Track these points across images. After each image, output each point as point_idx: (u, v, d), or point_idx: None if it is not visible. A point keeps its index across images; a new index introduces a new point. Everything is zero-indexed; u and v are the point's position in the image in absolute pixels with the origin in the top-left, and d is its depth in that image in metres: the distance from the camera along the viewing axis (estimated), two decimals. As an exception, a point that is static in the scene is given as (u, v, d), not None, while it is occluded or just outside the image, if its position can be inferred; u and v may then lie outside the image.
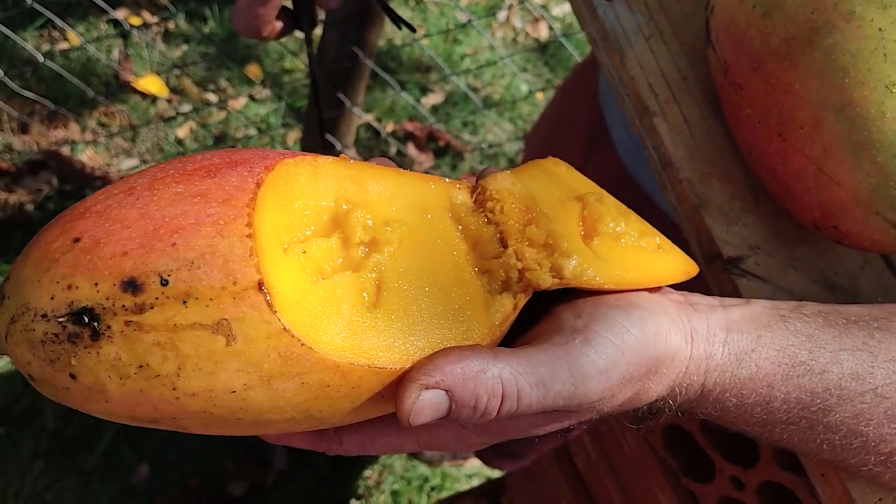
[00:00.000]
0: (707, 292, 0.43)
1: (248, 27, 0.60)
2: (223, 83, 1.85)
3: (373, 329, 0.32)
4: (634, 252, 0.41)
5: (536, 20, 2.16)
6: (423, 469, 1.54)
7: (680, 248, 0.44)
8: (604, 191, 0.42)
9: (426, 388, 0.31)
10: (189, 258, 0.29)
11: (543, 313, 0.38)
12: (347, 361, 0.31)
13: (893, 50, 0.43)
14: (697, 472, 0.60)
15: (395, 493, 1.50)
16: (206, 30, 1.89)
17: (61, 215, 0.32)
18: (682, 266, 0.42)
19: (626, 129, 0.72)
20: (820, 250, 0.52)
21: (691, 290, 0.42)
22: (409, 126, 1.88)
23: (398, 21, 0.67)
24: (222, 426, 0.32)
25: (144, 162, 1.72)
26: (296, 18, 0.63)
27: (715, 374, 0.38)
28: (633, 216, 0.42)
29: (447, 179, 0.39)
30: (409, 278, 0.34)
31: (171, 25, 1.90)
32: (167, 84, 1.82)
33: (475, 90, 1.99)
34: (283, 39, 1.86)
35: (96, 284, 0.29)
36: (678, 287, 0.42)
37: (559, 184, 0.42)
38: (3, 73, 1.49)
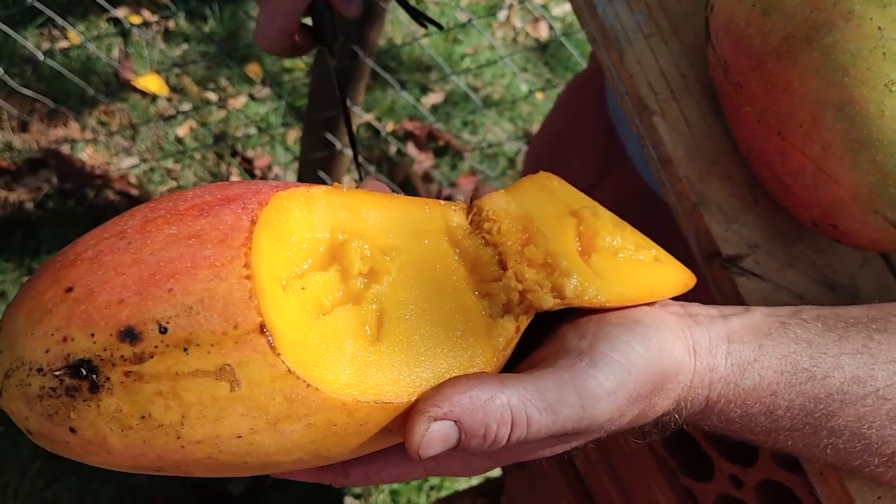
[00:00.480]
0: (706, 296, 0.43)
1: (271, 43, 0.59)
2: (223, 82, 1.85)
3: (377, 363, 0.32)
4: (633, 266, 0.40)
5: (536, 20, 2.16)
6: (422, 468, 1.54)
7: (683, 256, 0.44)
8: (597, 204, 0.42)
9: (435, 420, 0.31)
10: (187, 304, 0.28)
11: (545, 334, 0.38)
12: (354, 399, 0.30)
13: (892, 49, 0.43)
14: (696, 470, 0.60)
15: (394, 493, 1.50)
16: (207, 29, 1.90)
17: (51, 262, 0.31)
18: (680, 278, 0.42)
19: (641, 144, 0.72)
20: (819, 249, 0.52)
21: (690, 295, 0.42)
22: (409, 125, 1.88)
23: (421, 18, 0.65)
24: (230, 470, 0.31)
25: (144, 161, 1.72)
26: (317, 33, 0.62)
27: (719, 386, 0.38)
28: (629, 228, 0.42)
29: (441, 202, 0.38)
30: (410, 307, 0.34)
31: (171, 24, 1.90)
32: (167, 83, 1.82)
33: (475, 90, 1.99)
34: (284, 38, 1.86)
35: (92, 335, 0.28)
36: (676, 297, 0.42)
37: (553, 199, 0.42)
38: (3, 72, 1.49)
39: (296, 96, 1.87)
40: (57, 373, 0.28)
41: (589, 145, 0.80)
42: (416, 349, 0.33)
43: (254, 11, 1.95)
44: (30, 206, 1.60)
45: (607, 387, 0.34)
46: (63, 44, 1.82)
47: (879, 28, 0.44)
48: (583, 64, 1.97)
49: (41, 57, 1.49)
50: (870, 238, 0.46)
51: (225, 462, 0.30)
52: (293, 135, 1.82)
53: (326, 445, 0.31)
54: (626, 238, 0.41)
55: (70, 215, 1.61)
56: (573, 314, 0.38)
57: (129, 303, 0.28)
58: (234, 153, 1.78)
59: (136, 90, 1.78)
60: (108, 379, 0.28)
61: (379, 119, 1.88)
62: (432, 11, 2.08)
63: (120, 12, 1.83)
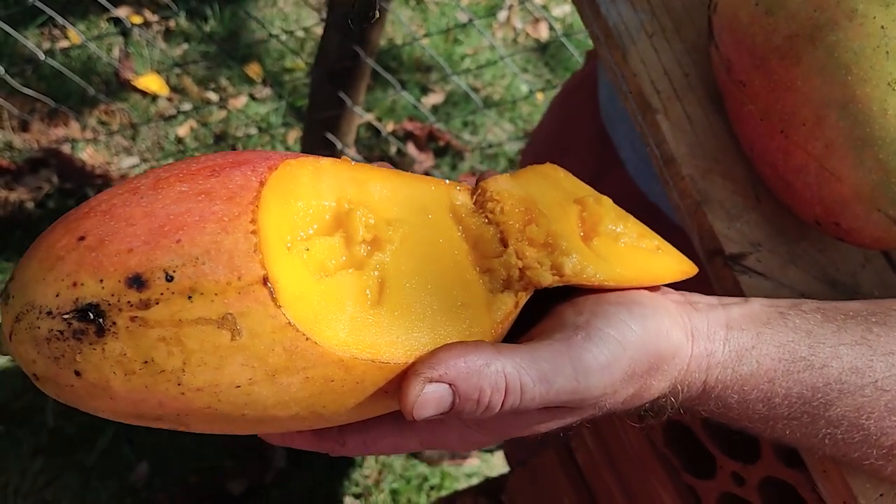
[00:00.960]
0: (709, 293, 0.43)
1: None
2: (224, 82, 1.85)
3: (376, 325, 0.32)
4: (634, 252, 0.41)
5: (537, 20, 2.16)
6: (422, 468, 1.54)
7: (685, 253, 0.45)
8: (602, 195, 0.43)
9: (430, 382, 0.32)
10: (194, 254, 0.29)
11: (544, 314, 0.38)
12: (351, 356, 0.31)
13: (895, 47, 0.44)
14: (698, 468, 0.60)
15: (394, 492, 1.50)
16: (207, 28, 1.90)
17: (65, 216, 0.32)
18: (681, 266, 0.43)
19: (634, 148, 0.72)
20: (821, 247, 0.52)
21: (691, 291, 0.43)
22: (410, 126, 1.88)
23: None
24: (227, 423, 0.32)
25: (145, 160, 1.72)
26: None
27: (716, 371, 0.38)
28: (632, 219, 0.43)
29: (447, 181, 0.39)
30: (412, 276, 0.34)
31: (171, 24, 1.90)
32: (167, 83, 1.82)
33: (475, 90, 1.99)
34: (283, 38, 1.87)
35: (101, 281, 0.29)
36: (677, 287, 0.43)
37: (558, 187, 0.42)
38: (3, 71, 1.49)
39: (296, 96, 1.87)
40: (66, 316, 0.29)
41: (583, 147, 0.81)
42: (416, 315, 0.33)
43: (254, 11, 1.95)
44: (30, 205, 1.60)
45: (601, 360, 0.34)
46: (64, 43, 1.82)
47: (882, 27, 0.44)
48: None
49: (42, 56, 1.50)
50: (873, 236, 0.46)
51: (223, 413, 0.31)
52: (294, 135, 1.82)
53: (323, 402, 0.32)
54: (628, 226, 0.42)
55: (71, 215, 1.60)
56: (572, 295, 0.38)
57: (139, 251, 0.29)
58: (235, 153, 1.77)
59: (136, 90, 1.78)
60: (114, 323, 0.29)
61: (379, 119, 1.88)
62: (433, 12, 2.09)
63: (121, 12, 1.83)
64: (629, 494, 0.65)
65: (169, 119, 1.77)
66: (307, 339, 0.30)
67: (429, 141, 1.88)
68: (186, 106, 1.80)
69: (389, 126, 1.87)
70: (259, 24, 1.90)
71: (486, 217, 0.38)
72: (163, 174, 0.32)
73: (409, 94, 1.86)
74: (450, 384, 0.32)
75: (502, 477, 1.06)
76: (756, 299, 0.41)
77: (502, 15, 2.16)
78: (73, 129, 1.71)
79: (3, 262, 1.54)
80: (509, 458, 1.11)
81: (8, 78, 1.50)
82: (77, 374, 0.29)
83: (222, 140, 1.77)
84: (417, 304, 0.34)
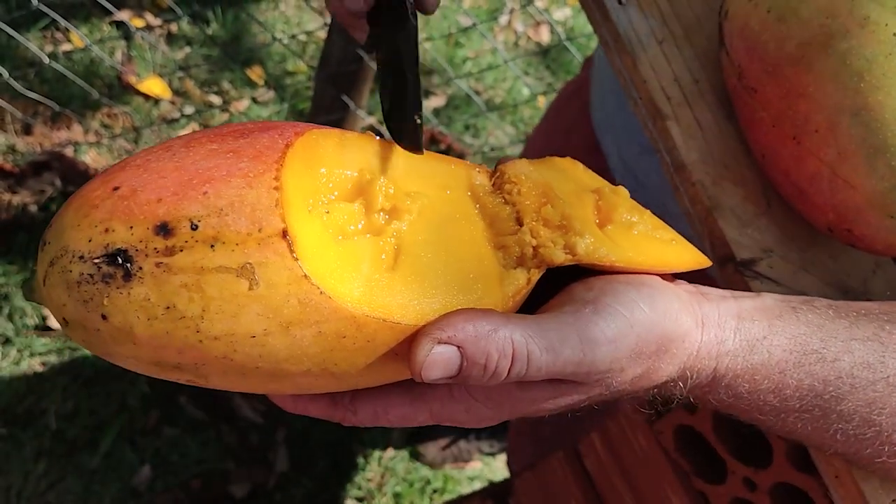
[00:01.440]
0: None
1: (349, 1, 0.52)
2: (226, 85, 1.85)
3: (389, 288, 0.33)
4: (647, 240, 0.42)
5: (538, 24, 2.17)
6: (425, 471, 1.54)
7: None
8: (621, 187, 0.43)
9: (439, 343, 0.32)
10: (219, 206, 0.31)
11: (556, 293, 0.39)
12: (363, 313, 0.32)
13: (908, 55, 0.44)
14: (709, 473, 0.60)
15: (397, 496, 1.50)
16: (210, 32, 1.90)
17: (103, 171, 0.34)
18: (695, 257, 0.43)
19: (621, 157, 0.73)
20: (832, 253, 0.53)
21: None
22: (412, 129, 1.88)
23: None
24: (242, 375, 0.33)
25: (147, 163, 1.72)
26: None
27: (727, 360, 0.38)
28: (648, 212, 0.43)
29: (467, 163, 0.40)
30: (427, 247, 0.35)
31: (174, 27, 1.90)
32: (170, 86, 1.82)
33: (477, 93, 1.99)
34: (286, 41, 1.87)
35: (131, 228, 0.30)
36: (691, 280, 0.43)
37: (576, 178, 0.43)
38: (7, 74, 1.49)
39: (298, 99, 1.87)
40: (96, 260, 0.30)
41: (577, 155, 0.81)
42: (429, 283, 0.34)
43: (256, 14, 1.95)
44: (33, 208, 1.60)
45: (608, 334, 0.34)
46: (66, 47, 1.82)
47: (895, 34, 0.44)
48: (584, 68, 1.98)
49: (46, 60, 1.50)
50: (885, 242, 0.47)
51: (238, 363, 0.32)
52: (296, 138, 1.82)
53: (334, 359, 0.33)
54: (644, 218, 0.42)
55: (73, 218, 1.60)
56: (585, 275, 0.39)
57: (167, 202, 0.31)
58: (237, 156, 1.77)
59: (139, 93, 1.78)
60: (140, 268, 0.30)
61: (381, 122, 1.88)
62: (434, 14, 2.09)
63: (123, 15, 1.83)
64: (639, 500, 0.66)
65: (171, 122, 1.77)
66: (321, 292, 0.31)
67: (431, 144, 1.89)
68: (189, 109, 1.80)
69: (391, 129, 1.87)
70: (261, 27, 1.91)
71: (504, 198, 0.39)
72: (196, 136, 0.34)
73: (412, 98, 1.85)
74: (458, 346, 0.32)
75: (509, 481, 1.07)
76: (768, 294, 0.42)
77: (503, 18, 2.16)
78: (76, 132, 1.71)
79: (6, 266, 1.53)
80: (511, 464, 1.11)
81: (11, 81, 1.50)
82: (104, 317, 0.31)
83: (225, 143, 1.77)
84: (431, 272, 0.35)
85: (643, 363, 0.36)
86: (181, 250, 0.30)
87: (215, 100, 1.83)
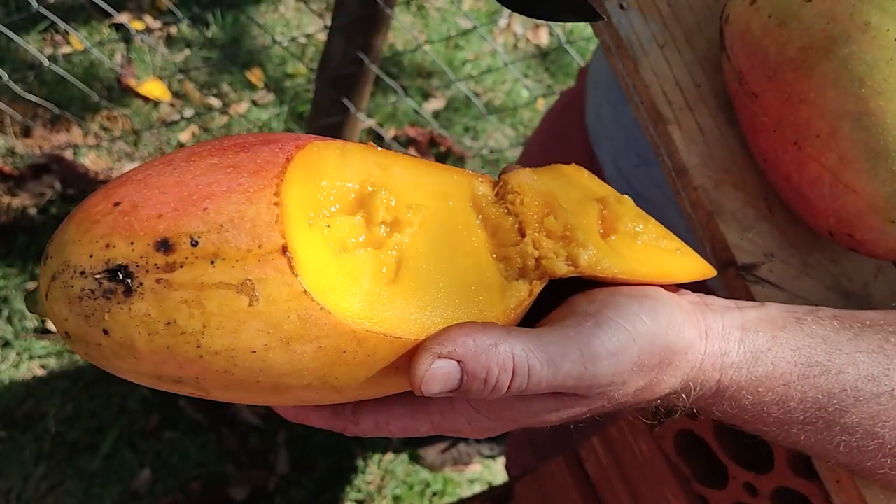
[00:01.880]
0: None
1: None
2: (225, 88, 1.85)
3: (390, 302, 0.33)
4: (652, 250, 0.41)
5: (537, 26, 2.17)
6: (424, 474, 1.54)
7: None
8: (626, 195, 0.43)
9: (439, 357, 0.32)
10: (219, 222, 0.31)
11: (559, 304, 0.38)
12: (364, 328, 0.32)
13: (909, 60, 0.44)
14: (710, 478, 0.60)
15: (396, 498, 1.50)
16: (209, 34, 1.90)
17: (104, 185, 0.34)
18: (698, 267, 0.43)
19: (617, 166, 0.73)
20: (834, 258, 0.53)
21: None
22: (411, 131, 1.88)
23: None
24: (243, 389, 0.33)
25: (147, 166, 1.72)
26: None
27: (731, 372, 0.38)
28: (653, 221, 0.43)
29: (470, 172, 0.40)
30: (429, 259, 0.35)
31: (173, 30, 1.90)
32: (169, 88, 1.82)
33: (477, 95, 1.99)
34: (285, 44, 1.87)
35: (132, 243, 0.31)
36: (694, 289, 0.43)
37: (580, 186, 0.43)
38: (6, 77, 1.49)
39: (298, 102, 1.87)
40: (97, 276, 0.31)
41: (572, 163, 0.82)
42: (430, 296, 0.34)
43: (256, 17, 1.95)
44: (33, 211, 1.60)
45: (610, 347, 0.34)
46: (66, 49, 1.82)
47: (896, 39, 0.44)
48: (584, 70, 1.97)
49: (46, 62, 1.50)
50: (887, 247, 0.47)
51: (239, 378, 0.32)
52: (296, 140, 1.82)
53: (335, 373, 0.33)
54: (648, 227, 0.42)
55: (73, 220, 1.60)
56: (587, 288, 0.38)
57: (168, 217, 0.31)
58: (237, 158, 1.77)
59: (138, 95, 1.78)
60: (140, 284, 0.30)
61: (381, 125, 1.88)
62: (434, 18, 2.09)
63: (123, 18, 1.83)
64: (640, 504, 0.65)
65: (171, 125, 1.77)
66: (321, 308, 0.31)
67: (430, 146, 1.89)
68: (188, 111, 1.80)
69: (391, 132, 1.88)
70: (261, 29, 1.91)
71: (506, 208, 0.39)
72: (196, 149, 0.34)
73: (411, 100, 1.86)
74: (458, 361, 0.32)
75: (509, 484, 1.06)
76: (772, 304, 0.42)
77: (503, 21, 2.16)
78: (76, 134, 1.71)
79: (6, 268, 1.53)
80: (509, 468, 1.11)
81: (11, 83, 1.50)
82: (105, 332, 0.31)
83: (224, 146, 1.77)
84: (432, 285, 0.35)
85: (646, 376, 0.36)
86: (181, 266, 0.30)
87: (215, 102, 1.83)
